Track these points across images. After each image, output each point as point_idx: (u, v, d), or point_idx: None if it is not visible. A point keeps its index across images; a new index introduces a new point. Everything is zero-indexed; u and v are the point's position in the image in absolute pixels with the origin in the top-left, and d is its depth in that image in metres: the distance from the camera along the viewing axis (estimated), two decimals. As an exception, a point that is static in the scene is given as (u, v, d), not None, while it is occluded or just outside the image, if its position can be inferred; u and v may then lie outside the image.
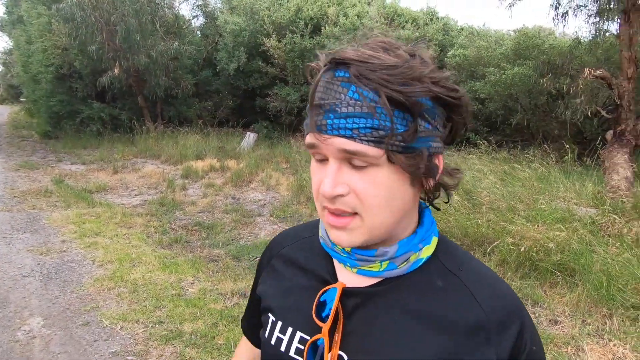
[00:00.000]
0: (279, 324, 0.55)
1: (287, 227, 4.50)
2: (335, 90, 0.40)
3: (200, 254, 3.72)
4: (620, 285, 2.67)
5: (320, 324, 0.49)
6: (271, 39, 9.47)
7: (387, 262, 0.48)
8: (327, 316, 0.49)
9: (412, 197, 0.46)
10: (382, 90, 0.38)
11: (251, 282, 0.70)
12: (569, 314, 2.65)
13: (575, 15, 5.70)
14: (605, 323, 2.51)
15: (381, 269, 0.48)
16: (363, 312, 0.49)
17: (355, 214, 0.44)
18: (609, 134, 6.24)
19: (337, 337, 0.48)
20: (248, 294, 0.92)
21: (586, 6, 6.13)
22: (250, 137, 8.91)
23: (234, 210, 5.09)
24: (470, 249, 3.62)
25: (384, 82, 0.38)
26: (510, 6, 5.84)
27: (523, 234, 3.41)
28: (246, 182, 6.50)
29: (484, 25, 11.19)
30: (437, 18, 10.82)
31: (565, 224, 3.59)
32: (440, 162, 0.46)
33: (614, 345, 2.32)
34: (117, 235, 4.03)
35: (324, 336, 0.48)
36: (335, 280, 0.53)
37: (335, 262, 0.54)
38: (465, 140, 9.03)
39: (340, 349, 0.48)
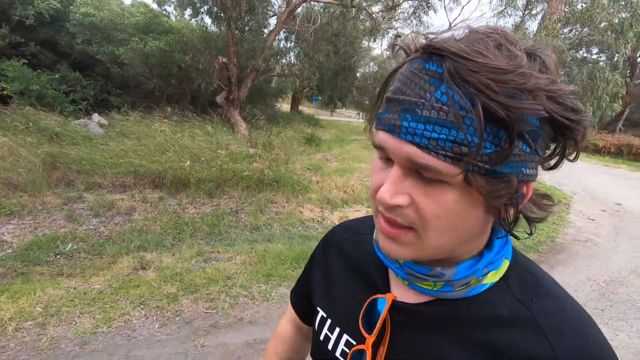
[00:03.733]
0: (328, 321, 0.55)
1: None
2: (420, 86, 0.33)
3: None
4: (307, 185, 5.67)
5: (365, 335, 0.47)
6: None
7: (442, 283, 0.43)
8: (373, 327, 0.47)
9: (483, 224, 0.39)
10: (479, 98, 0.31)
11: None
12: (282, 202, 5.30)
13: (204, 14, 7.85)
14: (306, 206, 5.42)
15: (435, 289, 0.44)
16: (410, 330, 0.46)
17: (411, 228, 0.38)
18: (219, 99, 9.43)
19: (382, 350, 0.46)
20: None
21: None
22: None
23: None
24: (223, 186, 5.29)
25: (484, 88, 0.30)
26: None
27: (243, 169, 5.58)
28: None
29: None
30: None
31: (252, 158, 6.15)
32: (528, 190, 0.38)
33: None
34: None
35: (367, 349, 0.46)
36: (387, 290, 0.50)
37: (390, 270, 0.49)
38: (101, 101, 9.20)
39: None
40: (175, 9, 9.31)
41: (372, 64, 15.69)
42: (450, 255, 0.41)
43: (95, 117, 7.23)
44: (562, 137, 0.36)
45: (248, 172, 5.45)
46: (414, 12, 9.99)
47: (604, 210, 6.60)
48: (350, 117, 22.50)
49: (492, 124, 0.32)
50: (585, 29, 5.60)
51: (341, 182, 6.33)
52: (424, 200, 0.36)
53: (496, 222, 0.41)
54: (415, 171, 0.36)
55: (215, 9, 7.76)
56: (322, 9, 9.89)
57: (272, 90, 12.55)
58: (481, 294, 0.43)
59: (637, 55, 17.38)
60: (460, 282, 0.43)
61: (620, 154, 16.43)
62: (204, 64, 8.06)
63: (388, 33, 10.62)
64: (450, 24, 8.77)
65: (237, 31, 8.32)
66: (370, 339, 0.46)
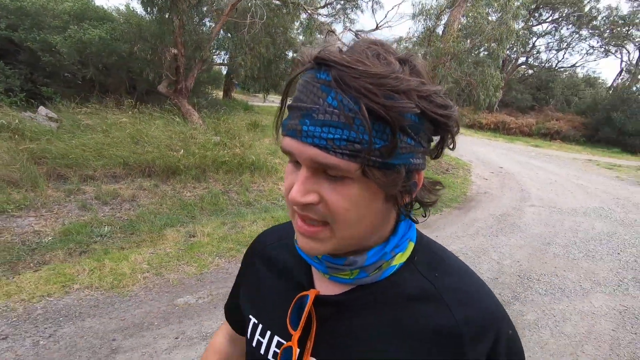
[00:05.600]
0: (260, 327, 0.57)
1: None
2: (314, 93, 0.38)
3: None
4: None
5: (291, 331, 0.50)
6: None
7: (358, 270, 0.48)
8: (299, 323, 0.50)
9: (385, 212, 0.45)
10: (362, 101, 0.36)
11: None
12: (261, 182, 6.17)
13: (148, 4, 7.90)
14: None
15: (352, 277, 0.49)
16: (335, 320, 0.50)
17: (326, 223, 0.43)
18: (162, 88, 9.52)
19: (309, 344, 0.49)
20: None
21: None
22: None
23: None
24: (207, 171, 5.91)
25: (365, 91, 0.36)
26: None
27: (223, 155, 6.26)
28: None
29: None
30: None
31: (220, 145, 6.81)
32: (419, 178, 0.44)
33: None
34: None
35: (293, 344, 0.49)
36: (311, 286, 0.53)
37: (313, 267, 0.53)
38: (26, 91, 8.58)
39: (312, 355, 0.49)
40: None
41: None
42: (362, 245, 0.47)
43: (43, 110, 6.91)
44: (440, 130, 0.43)
45: (228, 158, 6.15)
46: (342, 9, 11.26)
47: (492, 172, 8.94)
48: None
49: (377, 122, 0.37)
50: (478, 38, 7.54)
51: (301, 163, 7.38)
52: (332, 196, 0.40)
53: (395, 209, 0.46)
54: (322, 171, 0.40)
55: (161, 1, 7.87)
56: (260, 4, 10.49)
57: (208, 78, 12.72)
58: (392, 275, 0.49)
59: (508, 49, 21.64)
60: (373, 266, 0.48)
61: (498, 129, 20.57)
62: (152, 54, 8.16)
63: (322, 27, 11.75)
64: (377, 24, 10.25)
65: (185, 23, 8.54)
66: (296, 335, 0.49)
